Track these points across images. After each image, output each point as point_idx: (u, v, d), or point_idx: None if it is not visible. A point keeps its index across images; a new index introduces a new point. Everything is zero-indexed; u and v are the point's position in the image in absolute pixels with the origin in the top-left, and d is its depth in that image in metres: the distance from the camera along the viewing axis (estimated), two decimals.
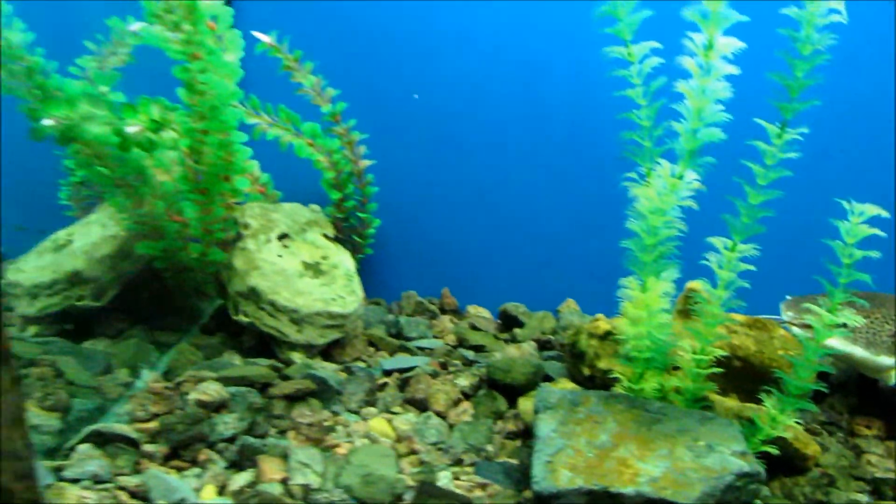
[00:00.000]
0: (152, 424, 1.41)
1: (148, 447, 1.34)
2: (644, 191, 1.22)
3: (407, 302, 2.01)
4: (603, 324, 1.52)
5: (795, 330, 1.53)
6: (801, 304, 1.67)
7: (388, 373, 1.69)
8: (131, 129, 1.42)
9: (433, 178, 1.96)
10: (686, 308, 1.46)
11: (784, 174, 1.23)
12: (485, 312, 2.02)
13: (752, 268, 1.28)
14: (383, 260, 2.02)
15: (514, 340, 1.88)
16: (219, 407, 1.45)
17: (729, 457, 1.23)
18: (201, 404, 1.43)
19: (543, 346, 1.83)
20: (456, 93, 1.87)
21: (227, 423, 1.40)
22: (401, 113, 1.90)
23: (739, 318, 1.49)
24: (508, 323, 1.95)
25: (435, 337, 1.88)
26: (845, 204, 1.21)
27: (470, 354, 1.78)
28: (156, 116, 1.44)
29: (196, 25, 1.34)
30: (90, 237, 1.68)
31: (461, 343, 1.85)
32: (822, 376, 1.30)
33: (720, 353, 1.35)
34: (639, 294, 1.32)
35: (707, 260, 1.30)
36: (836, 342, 1.45)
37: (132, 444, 1.33)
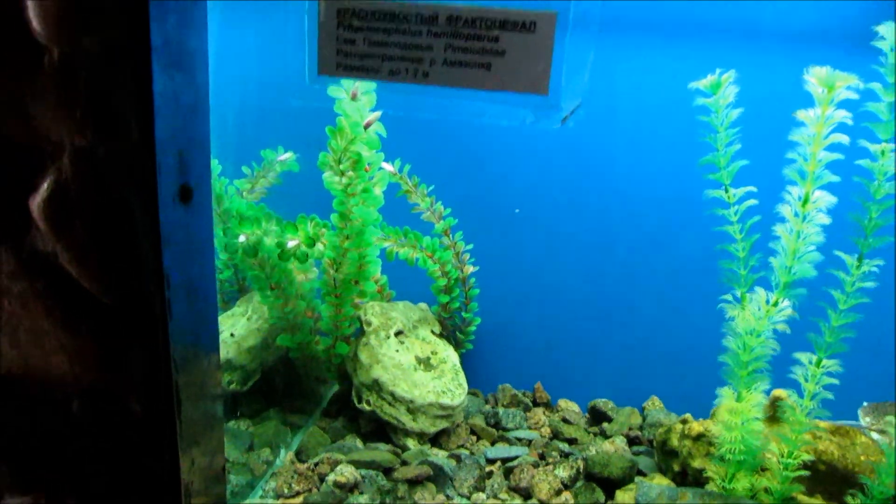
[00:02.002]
0: (296, 501, 1.61)
1: None
2: (740, 313, 1.42)
3: (503, 394, 2.20)
4: (696, 426, 1.68)
5: (874, 435, 1.68)
6: (878, 410, 1.82)
7: (491, 461, 1.86)
8: (291, 243, 1.69)
9: (527, 282, 2.18)
10: (773, 414, 1.62)
11: (863, 301, 1.41)
12: (574, 406, 2.18)
13: (835, 381, 1.45)
14: (481, 355, 2.22)
15: (603, 434, 2.04)
16: (352, 488, 1.65)
17: None
18: (339, 485, 1.63)
19: (632, 441, 1.99)
20: (550, 209, 2.10)
21: None
22: (501, 225, 2.14)
23: (823, 424, 1.63)
24: (597, 417, 2.11)
25: (530, 428, 2.05)
26: None
27: (565, 447, 1.94)
28: (310, 233, 1.71)
29: (356, 171, 1.61)
30: (238, 329, 1.93)
31: (556, 435, 2.01)
32: None
33: (807, 457, 1.50)
34: (733, 403, 1.49)
35: (794, 373, 1.48)
36: None
37: None
